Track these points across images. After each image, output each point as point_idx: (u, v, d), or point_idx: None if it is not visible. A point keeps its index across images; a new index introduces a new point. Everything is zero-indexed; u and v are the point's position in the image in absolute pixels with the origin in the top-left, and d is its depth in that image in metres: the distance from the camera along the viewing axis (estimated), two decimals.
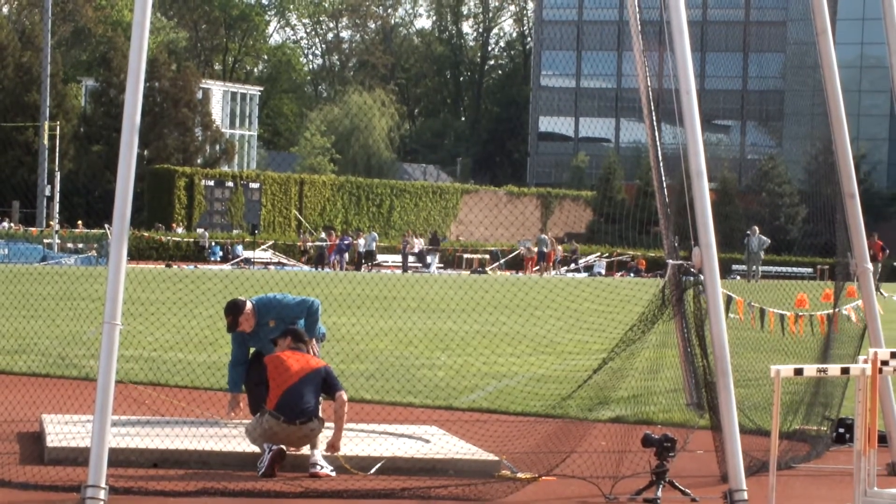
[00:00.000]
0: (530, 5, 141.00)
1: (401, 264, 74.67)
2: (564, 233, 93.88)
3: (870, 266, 13.14)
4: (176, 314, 24.10)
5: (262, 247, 74.99)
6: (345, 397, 11.96)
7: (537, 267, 71.69)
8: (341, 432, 11.91)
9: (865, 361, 9.77)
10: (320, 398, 12.03)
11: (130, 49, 10.58)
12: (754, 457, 11.84)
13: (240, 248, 75.13)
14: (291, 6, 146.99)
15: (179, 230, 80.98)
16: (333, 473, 11.47)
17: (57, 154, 78.17)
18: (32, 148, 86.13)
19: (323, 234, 79.62)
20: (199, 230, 79.62)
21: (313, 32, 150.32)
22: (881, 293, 14.33)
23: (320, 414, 11.93)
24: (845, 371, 10.14)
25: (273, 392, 11.84)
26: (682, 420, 14.35)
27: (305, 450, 11.76)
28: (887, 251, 57.07)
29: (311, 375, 11.88)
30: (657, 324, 12.14)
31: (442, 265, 77.66)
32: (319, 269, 66.19)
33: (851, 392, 10.77)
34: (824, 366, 10.78)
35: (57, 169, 75.59)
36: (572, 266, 74.54)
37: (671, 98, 11.66)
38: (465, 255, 79.81)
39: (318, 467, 11.49)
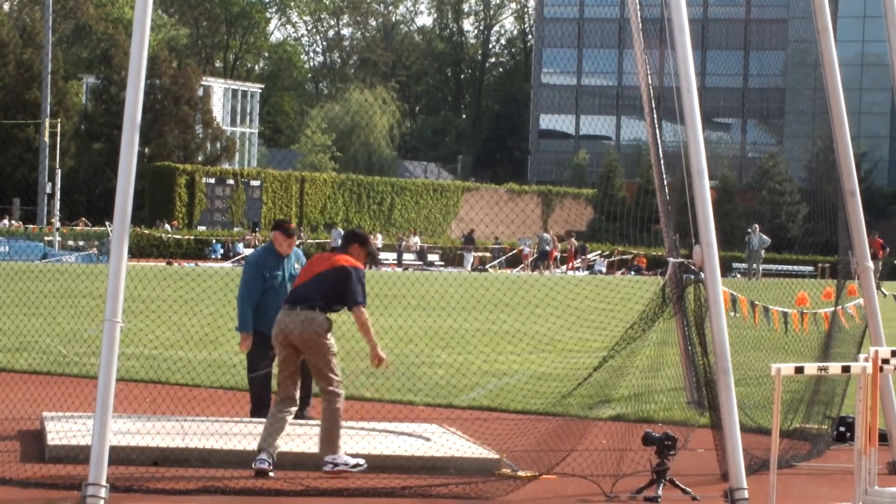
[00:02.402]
0: (531, 2, 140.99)
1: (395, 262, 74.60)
2: (565, 230, 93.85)
3: (871, 264, 13.14)
4: (177, 312, 24.11)
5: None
6: (363, 313, 11.53)
7: (535, 267, 71.60)
8: (374, 344, 11.64)
9: (866, 360, 9.77)
10: (333, 302, 11.66)
11: (131, 46, 10.59)
12: (755, 455, 11.84)
13: (240, 245, 75.16)
14: (292, 3, 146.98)
15: (166, 226, 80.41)
16: (355, 467, 11.35)
17: (58, 151, 78.14)
18: (33, 145, 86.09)
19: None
20: (240, 230, 79.41)
21: (314, 30, 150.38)
22: (882, 292, 14.29)
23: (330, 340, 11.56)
24: (846, 369, 10.15)
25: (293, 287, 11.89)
26: (683, 418, 14.35)
27: (311, 448, 11.74)
28: (887, 249, 56.96)
29: (329, 272, 11.70)
30: (658, 322, 12.13)
31: (443, 263, 77.61)
32: None
33: (852, 390, 10.78)
34: (825, 364, 10.78)
35: (58, 166, 75.56)
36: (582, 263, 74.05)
37: (672, 96, 11.66)
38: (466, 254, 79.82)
39: (330, 466, 11.41)
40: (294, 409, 11.75)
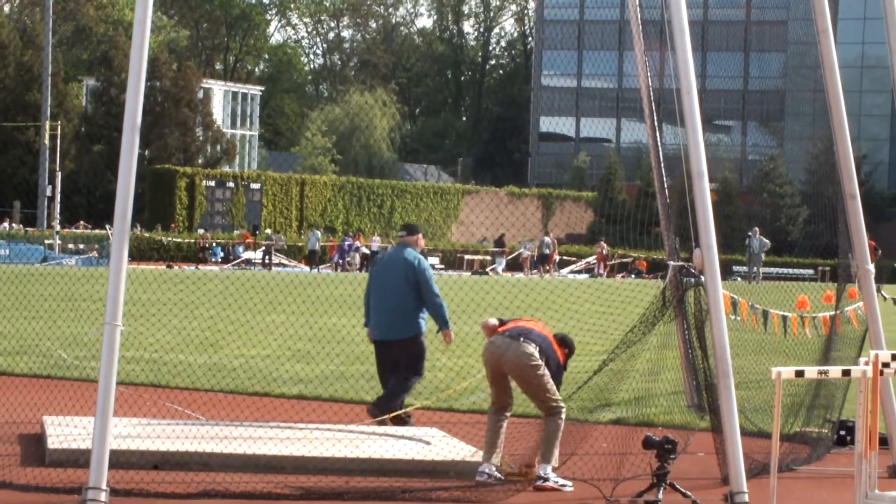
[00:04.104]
0: (531, 5, 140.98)
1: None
2: (565, 234, 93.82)
3: (871, 268, 13.12)
4: (177, 315, 24.10)
5: (263, 247, 74.97)
6: (559, 419, 11.69)
7: (535, 270, 71.62)
8: (550, 452, 11.65)
9: (866, 363, 9.75)
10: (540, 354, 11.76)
11: (131, 48, 10.59)
12: (755, 459, 11.83)
13: (240, 248, 75.12)
14: (292, 5, 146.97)
15: (138, 227, 79.44)
16: (565, 486, 11.38)
17: (58, 154, 78.12)
18: (33, 148, 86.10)
19: (268, 231, 79.43)
20: (268, 231, 79.13)
21: (314, 32, 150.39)
22: (882, 295, 14.28)
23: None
24: (846, 373, 10.13)
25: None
26: (683, 422, 14.34)
27: (311, 452, 11.71)
28: (879, 252, 56.65)
29: (547, 341, 11.87)
30: (658, 325, 12.12)
31: (443, 266, 77.58)
32: (316, 270, 66.12)
33: (852, 394, 10.76)
34: (825, 368, 10.76)
35: (58, 169, 75.53)
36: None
37: (672, 98, 11.65)
38: (466, 257, 79.80)
39: (540, 481, 11.39)
40: (507, 414, 11.94)
